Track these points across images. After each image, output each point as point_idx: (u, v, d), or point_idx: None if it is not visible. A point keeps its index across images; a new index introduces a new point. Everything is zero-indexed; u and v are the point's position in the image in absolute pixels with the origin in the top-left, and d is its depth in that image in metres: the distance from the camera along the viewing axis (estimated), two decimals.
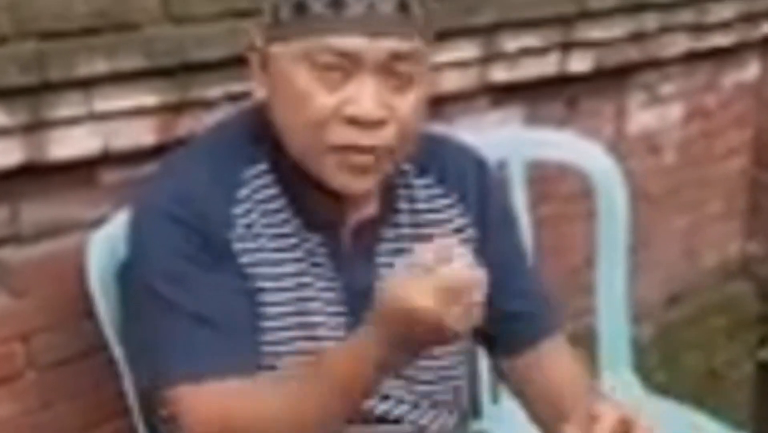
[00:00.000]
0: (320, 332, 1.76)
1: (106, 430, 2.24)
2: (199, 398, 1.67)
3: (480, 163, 1.95)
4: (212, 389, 1.67)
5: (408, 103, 1.69)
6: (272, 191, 1.77)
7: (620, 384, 2.78)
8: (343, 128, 1.66)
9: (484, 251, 1.89)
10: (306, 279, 1.76)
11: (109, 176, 2.15)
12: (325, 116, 1.66)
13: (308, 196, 1.77)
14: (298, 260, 1.76)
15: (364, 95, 1.64)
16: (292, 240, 1.76)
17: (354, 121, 1.65)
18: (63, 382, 2.16)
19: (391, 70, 1.67)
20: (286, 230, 1.76)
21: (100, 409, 2.21)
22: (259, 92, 1.76)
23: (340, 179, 1.70)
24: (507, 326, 1.95)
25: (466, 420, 2.03)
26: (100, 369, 2.12)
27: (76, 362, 2.17)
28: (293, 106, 1.68)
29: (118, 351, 2.02)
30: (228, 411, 1.66)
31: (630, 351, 2.82)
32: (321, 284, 1.77)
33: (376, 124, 1.66)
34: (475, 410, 2.61)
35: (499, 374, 2.06)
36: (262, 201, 1.76)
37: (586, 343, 2.90)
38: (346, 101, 1.65)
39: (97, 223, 2.09)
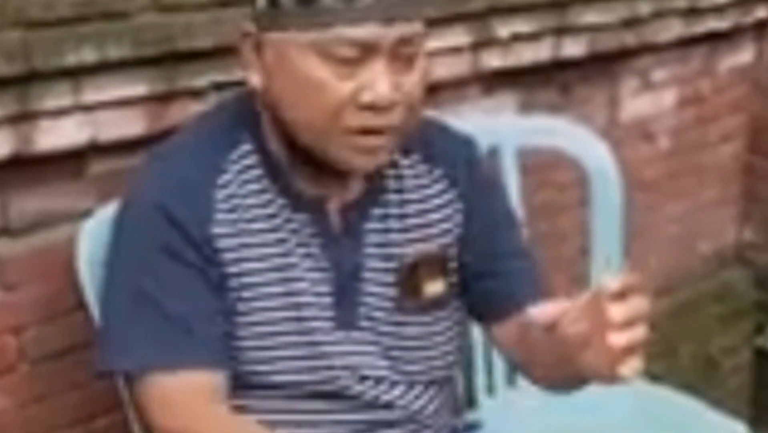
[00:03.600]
0: (308, 312, 1.77)
1: (99, 423, 2.23)
2: (166, 398, 1.72)
3: (466, 141, 1.97)
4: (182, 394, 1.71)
5: (414, 80, 1.71)
6: (256, 172, 1.77)
7: None
8: (359, 113, 1.67)
9: (471, 221, 1.91)
10: (292, 259, 1.77)
11: (98, 167, 2.14)
12: (341, 103, 1.67)
13: (293, 177, 1.78)
14: (282, 241, 1.77)
15: (380, 81, 1.66)
16: (276, 220, 1.77)
17: (371, 107, 1.67)
18: (56, 375, 2.16)
19: (399, 52, 1.68)
20: (269, 210, 1.77)
21: (94, 402, 2.20)
22: (254, 79, 1.75)
23: (354, 161, 1.71)
24: (496, 287, 1.94)
25: (460, 410, 2.03)
26: (93, 362, 2.11)
27: (69, 355, 2.16)
28: (304, 94, 1.68)
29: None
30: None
31: None
32: (307, 263, 1.78)
33: (390, 106, 1.68)
34: (470, 401, 2.60)
35: (492, 342, 2.05)
36: (246, 182, 1.76)
37: None
38: (361, 88, 1.66)
39: (87, 214, 2.07)
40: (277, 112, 1.73)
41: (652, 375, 2.92)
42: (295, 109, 1.71)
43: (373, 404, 1.82)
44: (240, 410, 1.79)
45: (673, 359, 3.52)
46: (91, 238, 2.02)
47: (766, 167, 3.76)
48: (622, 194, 2.72)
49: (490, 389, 2.65)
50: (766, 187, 3.77)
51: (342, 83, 1.66)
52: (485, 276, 1.93)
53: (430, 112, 2.14)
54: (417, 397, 1.86)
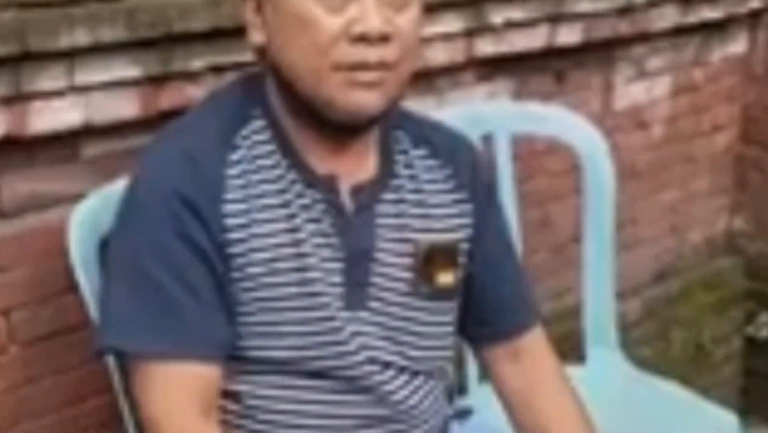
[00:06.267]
0: (317, 287, 1.77)
1: (90, 405, 2.23)
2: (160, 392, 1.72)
3: (469, 146, 2.00)
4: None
5: (407, 21, 1.74)
6: (268, 148, 1.78)
7: (607, 361, 2.78)
8: (350, 47, 1.70)
9: (480, 231, 1.94)
10: (302, 235, 1.77)
11: (92, 149, 2.13)
12: (333, 37, 1.69)
13: (306, 152, 1.79)
14: (292, 216, 1.77)
15: (369, 13, 1.69)
16: (287, 195, 1.77)
17: (362, 39, 1.69)
18: (46, 357, 2.15)
19: None
20: (280, 185, 1.77)
21: (85, 384, 2.20)
22: (256, 37, 1.77)
23: (350, 97, 1.71)
24: (492, 312, 1.99)
25: (450, 396, 2.03)
26: (84, 344, 2.10)
27: (60, 337, 2.16)
28: (298, 33, 1.71)
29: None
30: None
31: (617, 328, 2.81)
32: (318, 240, 1.78)
33: (382, 40, 1.70)
34: (461, 388, 2.60)
35: (482, 366, 2.11)
36: (257, 158, 1.77)
37: (572, 319, 2.89)
38: (352, 21, 1.69)
39: (79, 196, 2.06)
40: (278, 67, 1.75)
41: (643, 361, 2.93)
42: (290, 52, 1.72)
43: (376, 388, 1.81)
44: (243, 389, 1.80)
45: (664, 347, 3.52)
46: (84, 220, 2.01)
47: (758, 157, 3.76)
48: (614, 182, 2.72)
49: (482, 376, 2.65)
50: (758, 177, 3.77)
51: (333, 18, 1.69)
52: (483, 297, 1.97)
53: (431, 112, 2.15)
54: (418, 388, 1.86)
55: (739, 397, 3.79)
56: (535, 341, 2.02)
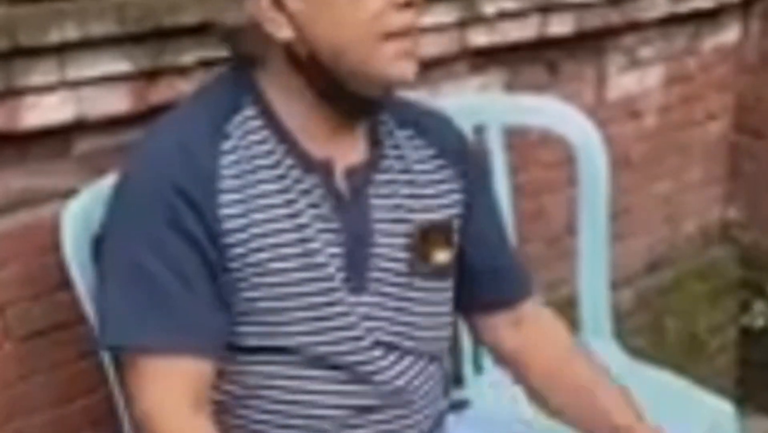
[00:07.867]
0: (325, 272, 1.77)
1: (85, 401, 2.23)
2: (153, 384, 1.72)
3: (453, 124, 2.01)
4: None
5: None
6: (262, 134, 1.78)
7: (602, 350, 2.78)
8: (398, 14, 1.72)
9: (471, 207, 1.95)
10: (303, 219, 1.77)
11: (83, 145, 2.13)
12: (381, 7, 1.70)
13: (301, 137, 1.79)
14: (292, 201, 1.77)
15: None
16: (286, 181, 1.77)
17: (408, 5, 1.72)
18: (40, 354, 2.15)
19: None
20: (278, 171, 1.77)
21: (80, 381, 2.20)
22: (283, 33, 1.74)
23: (399, 67, 1.74)
24: (490, 281, 2.00)
25: (447, 388, 2.03)
26: (78, 341, 2.10)
27: (54, 334, 2.15)
28: (343, 11, 1.71)
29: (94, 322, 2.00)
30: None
31: (611, 317, 2.81)
32: (319, 224, 1.78)
33: (420, 4, 1.74)
34: (457, 379, 2.60)
35: (478, 339, 2.12)
36: (252, 145, 1.77)
37: (567, 309, 2.89)
38: None
39: (72, 192, 2.06)
40: (316, 55, 1.74)
41: (637, 351, 2.93)
42: (338, 33, 1.72)
43: (378, 373, 1.81)
44: (241, 379, 1.80)
45: (659, 337, 3.53)
46: (77, 216, 2.01)
47: (751, 146, 3.76)
48: (608, 172, 2.72)
49: (478, 368, 2.65)
50: (751, 166, 3.77)
51: None
52: (484, 271, 1.98)
53: (417, 93, 2.15)
54: (419, 372, 1.87)
55: (735, 386, 3.79)
56: (537, 308, 2.04)
